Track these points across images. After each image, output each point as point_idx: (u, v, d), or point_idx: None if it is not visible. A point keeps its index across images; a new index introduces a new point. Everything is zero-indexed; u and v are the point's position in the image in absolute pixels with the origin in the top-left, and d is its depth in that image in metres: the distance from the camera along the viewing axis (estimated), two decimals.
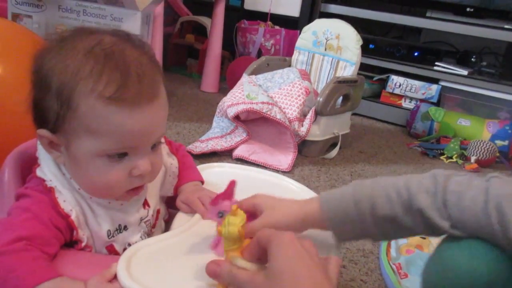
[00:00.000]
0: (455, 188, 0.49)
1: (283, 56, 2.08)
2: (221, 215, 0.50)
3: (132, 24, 1.55)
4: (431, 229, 0.51)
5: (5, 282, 0.43)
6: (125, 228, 0.53)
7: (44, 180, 0.49)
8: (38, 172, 0.50)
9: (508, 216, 0.45)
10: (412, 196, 0.50)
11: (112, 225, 0.52)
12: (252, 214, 0.55)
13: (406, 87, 2.18)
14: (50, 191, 0.48)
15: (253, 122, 1.47)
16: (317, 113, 1.48)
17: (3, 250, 0.43)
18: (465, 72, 2.05)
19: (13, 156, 0.55)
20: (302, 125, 1.45)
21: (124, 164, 0.48)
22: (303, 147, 1.50)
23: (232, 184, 0.51)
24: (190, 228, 0.56)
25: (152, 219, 0.57)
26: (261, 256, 0.42)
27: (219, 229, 0.44)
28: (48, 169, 0.50)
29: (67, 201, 0.49)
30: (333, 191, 0.56)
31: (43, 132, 0.48)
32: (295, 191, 0.69)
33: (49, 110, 0.46)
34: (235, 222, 0.44)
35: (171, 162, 0.61)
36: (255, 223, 0.53)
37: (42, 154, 0.51)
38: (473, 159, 1.70)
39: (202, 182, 0.65)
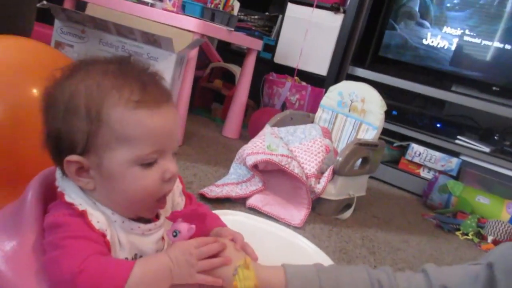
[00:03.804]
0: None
1: (307, 111, 2.12)
2: (175, 234, 0.53)
3: (167, 64, 1.61)
4: None
5: (102, 285, 0.45)
6: (140, 257, 0.54)
7: (73, 205, 0.50)
8: (67, 198, 0.51)
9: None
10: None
11: (129, 253, 0.53)
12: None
13: (425, 157, 2.17)
14: (82, 214, 0.49)
15: (270, 173, 1.47)
16: (335, 172, 1.48)
17: (80, 268, 0.44)
18: (487, 149, 2.04)
19: (38, 179, 0.56)
20: (319, 182, 1.45)
21: (155, 169, 0.51)
22: (317, 204, 1.49)
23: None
24: None
25: None
26: None
27: (235, 285, 0.43)
28: (75, 195, 0.51)
29: (101, 221, 0.50)
30: (297, 266, 0.58)
31: (73, 157, 0.49)
32: (309, 253, 0.68)
33: (77, 134, 0.48)
34: (251, 276, 0.43)
35: (179, 202, 0.62)
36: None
37: (64, 183, 0.52)
38: (490, 239, 1.65)
39: None
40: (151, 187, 0.50)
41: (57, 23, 1.72)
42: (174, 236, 0.53)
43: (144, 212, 0.54)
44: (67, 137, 0.49)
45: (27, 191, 0.54)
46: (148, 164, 0.50)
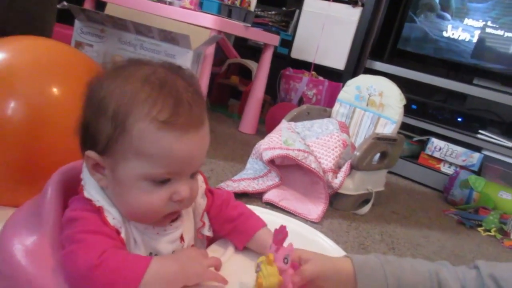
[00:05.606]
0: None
1: (324, 106, 2.10)
2: (286, 261, 0.50)
3: (184, 61, 1.63)
4: None
5: (115, 285, 0.44)
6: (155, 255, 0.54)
7: (91, 200, 0.51)
8: (85, 193, 0.51)
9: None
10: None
11: (145, 251, 0.53)
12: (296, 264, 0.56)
13: (446, 152, 2.13)
14: (99, 210, 0.50)
15: (287, 168, 1.47)
16: (353, 167, 1.47)
17: (97, 262, 0.44)
18: (510, 144, 1.99)
19: (57, 175, 0.57)
20: (336, 177, 1.44)
21: (165, 188, 0.49)
22: (335, 199, 1.48)
23: (283, 230, 0.52)
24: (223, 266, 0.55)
25: None
26: None
27: (260, 282, 0.44)
28: (94, 191, 0.52)
29: (116, 219, 0.50)
30: (361, 256, 0.60)
31: (92, 153, 0.50)
32: (328, 250, 0.67)
33: (101, 133, 0.48)
34: (274, 273, 0.44)
35: (201, 202, 0.61)
36: (305, 271, 0.54)
37: (86, 176, 0.53)
38: None
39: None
40: (156, 204, 0.50)
41: (77, 23, 1.75)
42: (286, 263, 0.51)
43: (152, 223, 0.53)
44: (92, 132, 0.50)
45: (46, 187, 0.55)
46: (159, 182, 0.49)
